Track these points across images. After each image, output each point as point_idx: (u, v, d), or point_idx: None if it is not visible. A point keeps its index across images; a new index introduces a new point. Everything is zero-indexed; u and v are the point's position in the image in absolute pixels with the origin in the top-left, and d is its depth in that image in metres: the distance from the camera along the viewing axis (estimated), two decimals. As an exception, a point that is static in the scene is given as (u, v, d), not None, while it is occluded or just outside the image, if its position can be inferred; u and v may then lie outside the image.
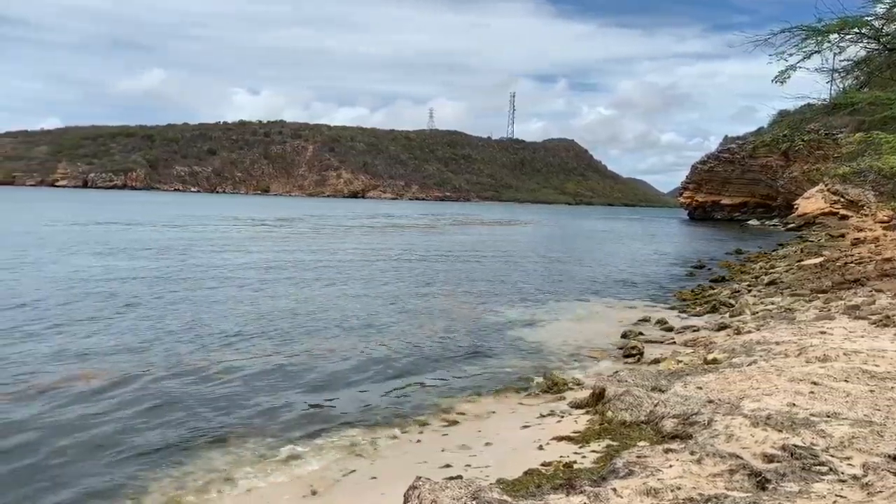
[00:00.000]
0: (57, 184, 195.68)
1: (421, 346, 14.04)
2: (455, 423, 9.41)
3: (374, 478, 7.49)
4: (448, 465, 7.48)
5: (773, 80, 18.50)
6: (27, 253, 27.98)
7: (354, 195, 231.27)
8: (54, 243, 32.76)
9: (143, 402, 9.83)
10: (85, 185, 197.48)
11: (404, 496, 5.84)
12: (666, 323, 16.90)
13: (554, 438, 7.94)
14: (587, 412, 8.93)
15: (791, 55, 17.63)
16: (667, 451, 6.15)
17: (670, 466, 5.70)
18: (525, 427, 8.83)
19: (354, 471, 7.72)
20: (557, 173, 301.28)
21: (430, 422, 9.43)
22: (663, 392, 8.42)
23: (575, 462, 6.85)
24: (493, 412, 9.87)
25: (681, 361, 11.36)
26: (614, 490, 5.29)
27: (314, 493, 7.14)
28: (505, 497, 5.32)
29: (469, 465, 7.47)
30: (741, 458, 5.83)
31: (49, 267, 24.06)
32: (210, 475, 7.52)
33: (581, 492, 5.40)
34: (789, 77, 18.25)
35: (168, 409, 9.56)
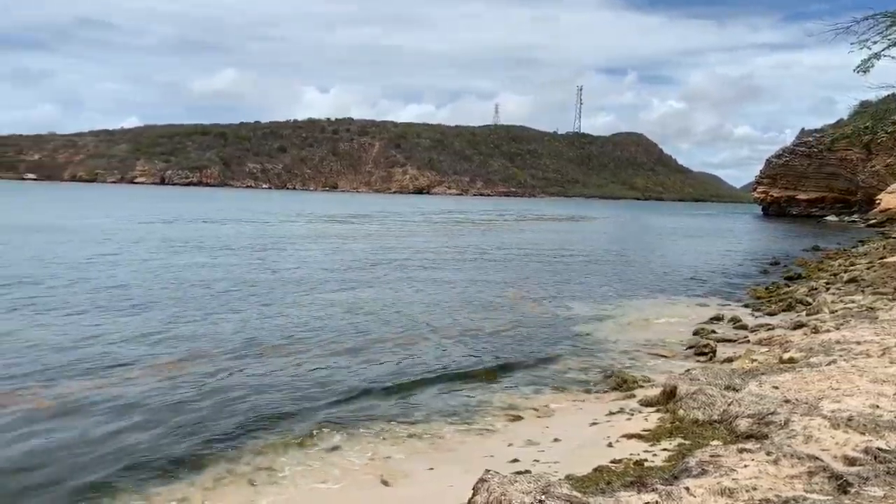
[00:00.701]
0: (136, 181, 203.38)
1: (487, 342, 14.08)
2: (520, 418, 9.41)
3: (441, 470, 7.56)
4: (516, 460, 7.50)
5: (854, 70, 17.82)
6: (140, 249, 29.23)
7: (419, 191, 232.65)
8: (168, 239, 34.14)
9: (224, 387, 10.16)
10: (162, 181, 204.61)
11: (473, 489, 5.88)
12: (739, 321, 16.47)
13: (623, 436, 7.86)
14: (658, 410, 8.80)
15: (875, 43, 16.93)
16: (741, 450, 6.01)
17: (745, 466, 5.57)
18: (594, 424, 8.77)
19: (422, 463, 7.81)
20: (625, 168, 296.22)
21: (495, 417, 9.46)
22: (737, 391, 8.23)
23: (645, 460, 6.77)
24: (560, 409, 9.83)
25: (755, 360, 11.06)
26: (687, 489, 5.21)
27: (385, 482, 7.27)
28: (575, 493, 5.31)
29: (537, 461, 7.47)
30: (820, 460, 5.66)
31: (148, 262, 25.10)
32: (283, 461, 7.74)
33: (653, 490, 5.34)
34: (872, 66, 17.53)
35: (245, 395, 9.87)
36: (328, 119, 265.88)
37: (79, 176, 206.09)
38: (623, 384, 10.62)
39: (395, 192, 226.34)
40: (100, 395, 9.77)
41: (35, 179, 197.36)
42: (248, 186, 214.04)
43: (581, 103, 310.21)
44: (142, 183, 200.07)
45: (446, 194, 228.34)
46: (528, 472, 6.68)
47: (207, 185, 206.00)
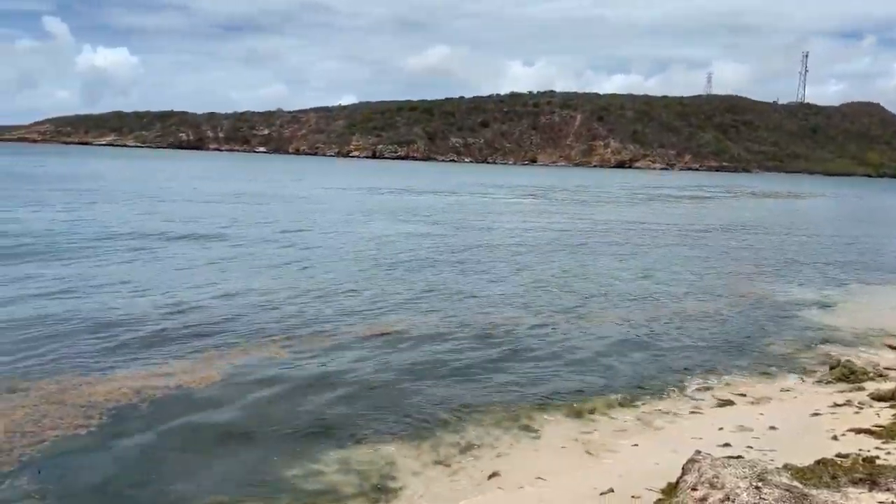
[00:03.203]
0: (351, 154, 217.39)
1: (700, 322, 13.56)
2: (731, 403, 9.04)
3: (646, 447, 7.51)
4: (727, 444, 7.24)
5: None
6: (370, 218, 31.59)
7: (622, 165, 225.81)
8: (386, 209, 36.62)
9: (437, 358, 10.73)
10: (373, 155, 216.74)
11: (683, 468, 5.79)
12: None
13: (851, 430, 7.30)
14: (893, 406, 8.03)
15: None
16: None
17: None
18: (815, 415, 8.21)
19: (626, 439, 7.77)
20: (857, 141, 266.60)
21: (704, 400, 9.15)
22: None
23: (877, 458, 6.25)
24: (776, 396, 9.30)
25: None
26: (930, 492, 4.77)
27: (589, 453, 7.34)
28: (795, 483, 5.07)
29: (750, 447, 7.16)
30: None
31: (360, 230, 27.02)
32: (497, 433, 8.01)
33: (887, 489, 4.96)
34: None
35: (452, 368, 10.32)
36: (530, 92, 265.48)
37: (302, 149, 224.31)
38: (850, 375, 9.79)
39: (595, 166, 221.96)
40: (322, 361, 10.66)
41: (265, 152, 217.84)
42: (450, 160, 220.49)
43: (806, 71, 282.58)
44: (356, 156, 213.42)
45: (650, 168, 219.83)
46: (740, 457, 6.43)
47: (413, 158, 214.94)
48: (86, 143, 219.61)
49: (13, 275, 14.94)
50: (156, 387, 8.59)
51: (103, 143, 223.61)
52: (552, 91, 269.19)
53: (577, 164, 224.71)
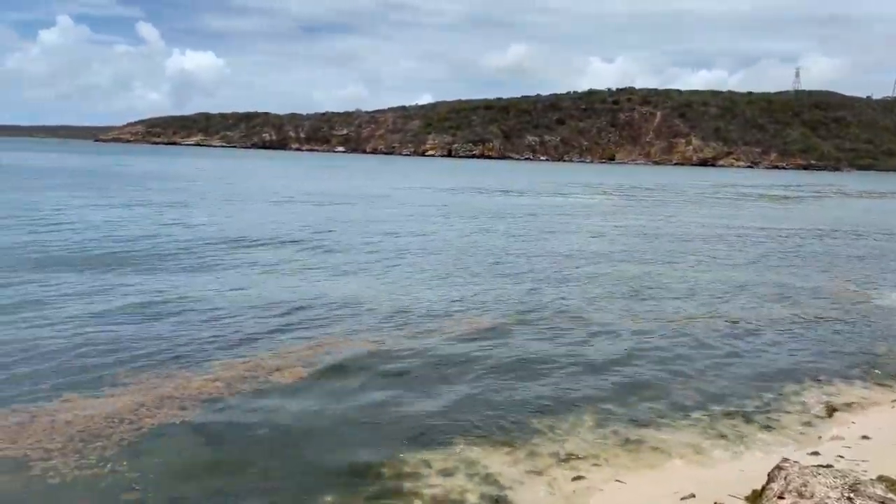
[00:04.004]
0: (426, 153, 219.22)
1: (787, 328, 13.10)
2: (823, 410, 8.71)
3: (733, 452, 7.37)
4: (816, 453, 7.03)
5: None
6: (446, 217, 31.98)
7: (703, 163, 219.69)
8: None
9: (528, 354, 10.75)
10: (449, 154, 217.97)
11: (768, 475, 5.67)
12: None
13: (952, 443, 6.94)
14: None
15: None
16: None
17: None
18: (912, 426, 7.84)
19: (715, 445, 7.64)
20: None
21: (788, 408, 8.84)
22: None
23: (981, 473, 5.94)
24: (872, 406, 8.91)
25: None
26: None
27: (676, 457, 7.27)
28: (890, 495, 4.90)
29: (841, 457, 6.92)
30: None
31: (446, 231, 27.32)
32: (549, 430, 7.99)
33: None
34: None
35: (543, 369, 10.29)
36: (608, 89, 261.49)
37: (378, 149, 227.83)
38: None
39: (676, 164, 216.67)
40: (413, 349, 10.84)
41: (343, 151, 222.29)
42: (526, 158, 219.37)
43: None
44: (431, 155, 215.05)
45: (734, 167, 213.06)
46: (829, 466, 6.23)
47: (488, 157, 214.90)
48: (174, 144, 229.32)
49: (113, 275, 15.73)
50: (245, 380, 8.90)
51: (191, 143, 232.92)
52: (632, 87, 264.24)
53: (656, 163, 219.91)
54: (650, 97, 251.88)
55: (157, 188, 43.52)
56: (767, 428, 8.14)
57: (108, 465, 6.38)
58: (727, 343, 11.84)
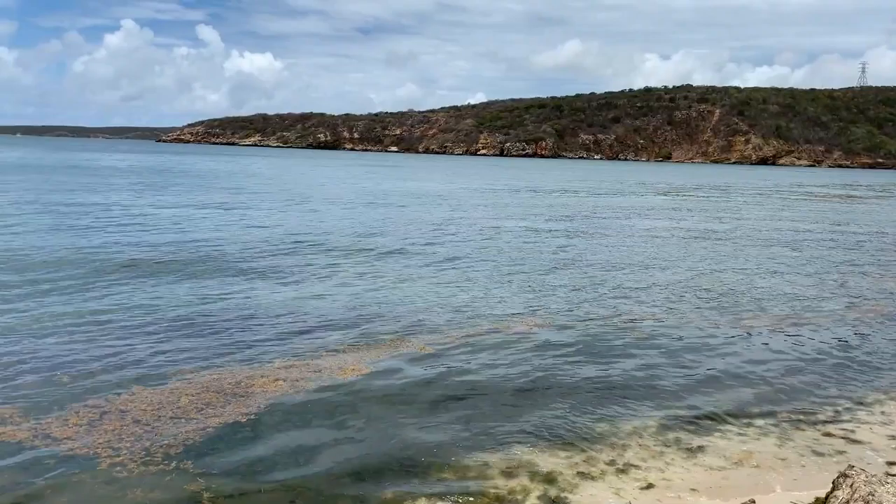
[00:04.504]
0: (478, 153, 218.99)
1: (859, 332, 12.64)
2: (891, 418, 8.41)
3: (797, 460, 7.17)
4: (892, 463, 6.78)
5: None
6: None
7: (763, 162, 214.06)
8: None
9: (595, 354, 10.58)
10: (501, 153, 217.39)
11: (833, 483, 5.53)
12: None
13: None
14: None
15: None
16: None
17: None
18: None
19: (779, 451, 7.43)
20: None
21: (864, 417, 8.50)
22: None
23: None
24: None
25: None
26: None
27: (737, 463, 7.11)
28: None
29: (913, 468, 6.68)
30: None
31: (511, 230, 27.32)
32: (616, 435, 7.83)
33: None
34: None
35: (603, 372, 10.07)
36: (665, 87, 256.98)
37: (431, 148, 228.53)
38: None
39: (734, 163, 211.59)
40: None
41: (396, 151, 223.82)
42: (580, 157, 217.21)
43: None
44: (483, 154, 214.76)
45: (795, 165, 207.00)
46: (902, 477, 6.03)
47: (541, 156, 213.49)
48: (232, 144, 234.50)
49: (181, 274, 16.11)
50: (307, 379, 8.94)
51: (248, 143, 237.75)
52: (689, 85, 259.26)
53: (714, 161, 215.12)
54: (708, 94, 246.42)
55: (220, 187, 44.71)
56: (836, 435, 7.84)
57: (174, 464, 6.46)
58: (798, 348, 11.43)
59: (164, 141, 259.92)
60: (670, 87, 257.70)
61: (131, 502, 5.84)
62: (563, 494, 6.32)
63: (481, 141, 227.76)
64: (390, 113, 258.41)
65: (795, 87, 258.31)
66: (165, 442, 6.90)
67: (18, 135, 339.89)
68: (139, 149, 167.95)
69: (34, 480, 6.12)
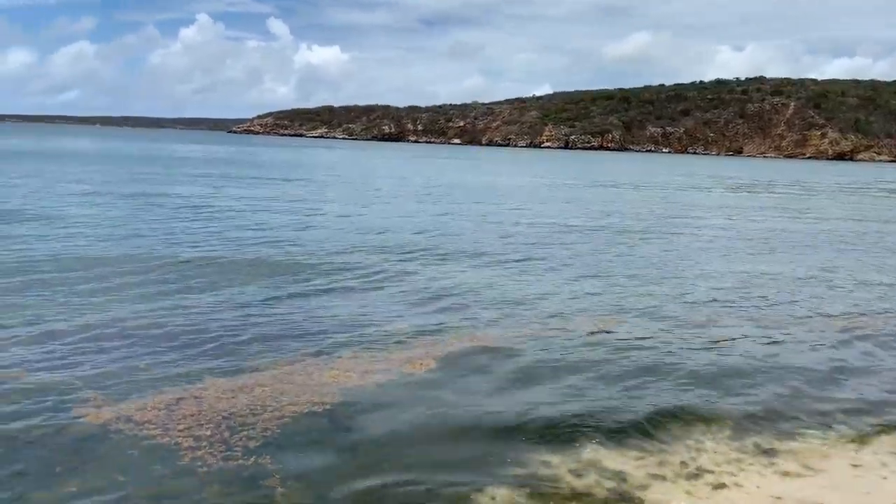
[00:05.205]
0: (542, 145, 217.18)
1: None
2: None
3: (873, 466, 6.70)
4: None
5: None
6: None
7: (840, 157, 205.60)
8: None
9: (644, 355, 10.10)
10: (566, 146, 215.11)
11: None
12: None
13: None
14: None
15: None
16: None
17: None
18: None
19: (861, 459, 6.94)
20: None
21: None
22: None
23: None
24: None
25: None
26: None
27: (816, 470, 6.65)
28: None
29: None
30: None
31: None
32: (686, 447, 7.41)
33: None
34: None
35: (679, 373, 9.56)
36: (737, 79, 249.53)
37: (494, 140, 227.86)
38: None
39: (809, 158, 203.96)
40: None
41: (459, 144, 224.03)
42: (647, 150, 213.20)
43: None
44: (548, 147, 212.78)
45: (875, 161, 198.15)
46: None
47: (607, 149, 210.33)
48: (300, 135, 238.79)
49: (256, 264, 16.26)
50: (378, 371, 8.81)
51: (315, 135, 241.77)
52: (762, 77, 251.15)
53: (788, 156, 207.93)
54: (782, 87, 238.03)
55: (296, 178, 45.59)
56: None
57: (253, 458, 6.31)
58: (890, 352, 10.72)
59: (235, 132, 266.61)
60: (743, 79, 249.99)
61: (211, 497, 5.69)
62: (633, 492, 6.08)
63: (545, 133, 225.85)
64: (454, 105, 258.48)
65: (877, 79, 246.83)
66: (245, 433, 6.75)
67: (98, 125, 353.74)
68: (212, 139, 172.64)
69: (117, 468, 6.07)
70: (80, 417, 7.02)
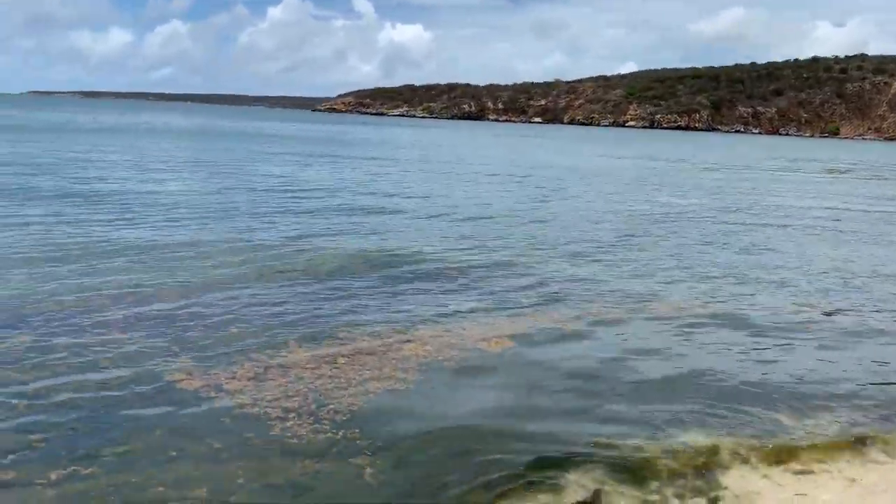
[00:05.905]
0: (626, 124, 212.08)
1: None
2: None
3: None
4: None
5: None
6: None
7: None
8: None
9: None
10: (651, 125, 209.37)
11: None
12: None
13: None
14: None
15: None
16: None
17: None
18: None
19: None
20: None
21: None
22: None
23: None
24: None
25: None
26: None
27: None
28: None
29: None
30: None
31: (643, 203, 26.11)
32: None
33: None
34: None
35: (765, 366, 9.18)
36: (835, 57, 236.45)
37: (576, 119, 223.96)
38: None
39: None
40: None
41: (540, 122, 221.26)
42: (736, 131, 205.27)
43: None
44: (632, 126, 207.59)
45: None
46: None
47: (694, 129, 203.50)
48: (381, 114, 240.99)
49: (344, 235, 16.54)
50: (454, 346, 8.81)
51: (396, 113, 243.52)
52: (863, 54, 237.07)
53: (888, 139, 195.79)
54: (885, 65, 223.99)
55: (380, 157, 45.96)
56: None
57: (341, 433, 6.34)
58: None
59: (319, 110, 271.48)
60: (842, 56, 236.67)
61: (301, 472, 5.72)
62: (716, 477, 5.97)
63: (630, 112, 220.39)
64: (535, 83, 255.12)
65: None
66: (331, 406, 6.80)
67: (189, 103, 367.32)
68: (301, 118, 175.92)
69: (213, 435, 6.20)
70: (175, 382, 7.23)
